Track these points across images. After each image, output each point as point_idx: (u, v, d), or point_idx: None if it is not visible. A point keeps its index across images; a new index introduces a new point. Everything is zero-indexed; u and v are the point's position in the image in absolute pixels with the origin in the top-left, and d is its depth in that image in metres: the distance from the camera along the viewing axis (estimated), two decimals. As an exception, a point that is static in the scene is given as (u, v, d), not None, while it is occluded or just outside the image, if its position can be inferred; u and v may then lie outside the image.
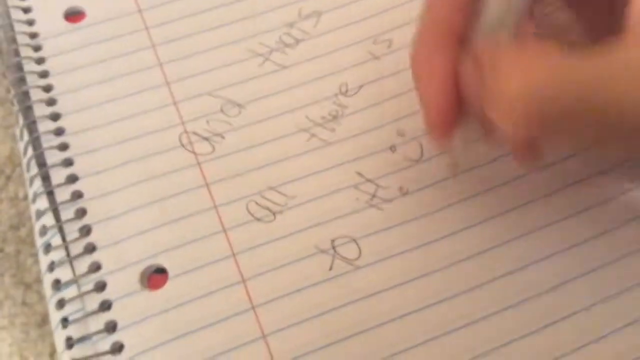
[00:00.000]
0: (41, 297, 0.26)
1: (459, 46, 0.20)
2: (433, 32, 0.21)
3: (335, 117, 0.27)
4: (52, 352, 0.25)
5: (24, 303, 0.26)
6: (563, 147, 0.23)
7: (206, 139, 0.27)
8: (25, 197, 0.28)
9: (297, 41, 0.29)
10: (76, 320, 0.23)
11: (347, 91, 0.28)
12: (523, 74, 0.17)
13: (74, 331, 0.23)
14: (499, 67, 0.18)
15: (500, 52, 0.19)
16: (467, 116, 0.21)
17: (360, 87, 0.28)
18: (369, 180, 0.26)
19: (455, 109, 0.21)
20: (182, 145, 0.27)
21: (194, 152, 0.26)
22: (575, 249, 0.24)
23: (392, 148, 0.26)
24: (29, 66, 0.29)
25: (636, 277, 0.23)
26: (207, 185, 0.26)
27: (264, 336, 0.23)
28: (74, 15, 0.30)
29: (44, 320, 0.26)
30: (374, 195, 0.25)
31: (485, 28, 0.20)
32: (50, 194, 0.26)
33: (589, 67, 0.17)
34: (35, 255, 0.27)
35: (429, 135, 0.21)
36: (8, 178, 0.29)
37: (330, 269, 0.24)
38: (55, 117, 0.27)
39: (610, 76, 0.17)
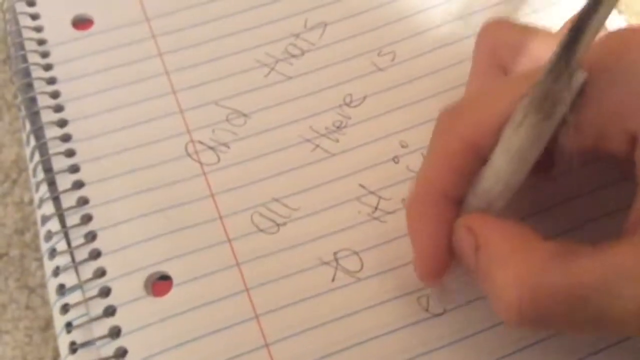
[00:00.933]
0: (45, 302, 0.26)
1: (453, 206, 0.21)
2: (428, 190, 0.21)
3: (339, 128, 0.28)
4: (56, 357, 0.25)
5: (27, 307, 0.26)
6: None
7: (212, 148, 0.27)
8: (31, 202, 0.29)
9: (303, 52, 0.29)
10: (80, 325, 0.24)
11: (351, 102, 0.28)
12: (523, 280, 0.18)
13: (78, 336, 0.24)
14: (495, 267, 0.19)
15: (498, 238, 0.19)
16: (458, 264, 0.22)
17: (365, 98, 0.28)
18: (371, 193, 0.26)
19: (445, 264, 0.21)
20: (188, 155, 0.27)
21: (199, 162, 0.27)
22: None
23: (395, 159, 0.27)
24: (37, 72, 0.29)
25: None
26: (212, 195, 0.26)
27: (266, 345, 0.23)
28: (81, 23, 0.31)
29: (48, 324, 0.26)
30: (376, 208, 0.26)
31: (480, 198, 0.20)
32: (56, 199, 0.26)
33: (585, 272, 0.17)
34: (39, 260, 0.27)
35: (418, 277, 0.22)
36: (14, 182, 0.29)
37: (333, 280, 0.24)
38: (62, 123, 0.28)
39: (606, 283, 0.17)
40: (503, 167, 0.20)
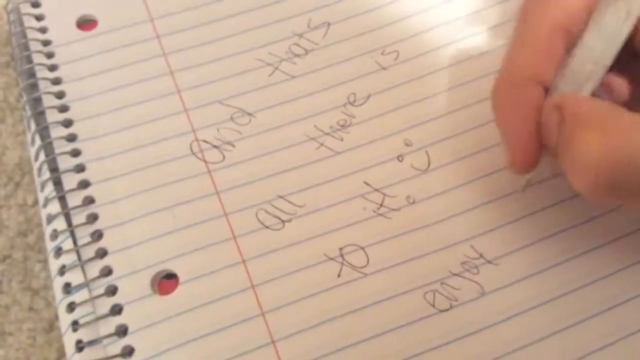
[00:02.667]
0: (48, 303, 0.26)
1: (542, 92, 0.21)
2: (517, 75, 0.21)
3: (343, 127, 0.28)
4: (59, 358, 0.25)
5: (31, 309, 0.26)
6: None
7: (216, 147, 0.27)
8: (34, 204, 0.29)
9: (306, 51, 0.30)
10: (86, 324, 0.24)
11: (355, 101, 0.28)
12: (599, 146, 0.18)
13: (84, 334, 0.23)
14: (578, 128, 0.19)
15: (582, 112, 0.19)
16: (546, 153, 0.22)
17: (368, 97, 0.28)
18: (376, 190, 0.26)
19: (537, 149, 0.21)
20: (193, 153, 0.27)
21: (204, 160, 0.27)
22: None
23: (400, 157, 0.27)
24: (42, 73, 0.29)
25: None
26: (217, 193, 0.26)
27: (273, 342, 0.23)
28: (86, 24, 0.31)
29: (51, 326, 0.26)
30: (381, 205, 0.26)
31: (570, 80, 0.21)
32: (61, 199, 0.26)
33: None
34: (42, 262, 0.27)
35: (509, 169, 0.22)
36: (17, 185, 0.29)
37: (339, 276, 0.24)
38: (67, 123, 0.28)
39: None
40: (594, 46, 0.20)
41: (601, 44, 0.20)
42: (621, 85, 0.22)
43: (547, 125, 0.20)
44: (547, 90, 0.21)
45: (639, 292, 0.24)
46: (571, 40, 0.21)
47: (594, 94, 0.21)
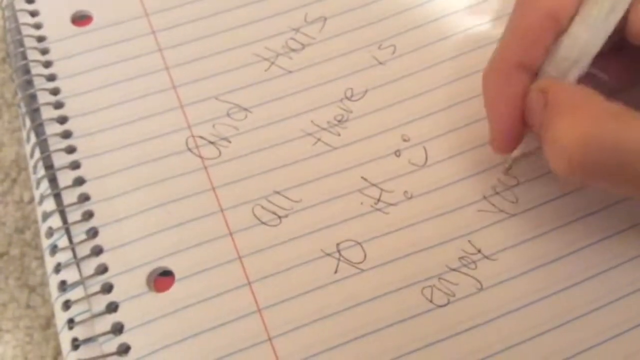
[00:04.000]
0: (45, 301, 0.26)
1: (530, 77, 0.22)
2: (506, 59, 0.22)
3: (340, 122, 0.27)
4: (56, 355, 0.25)
5: (28, 306, 0.26)
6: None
7: (212, 143, 0.27)
8: (31, 201, 0.28)
9: (303, 46, 0.29)
10: (82, 322, 0.23)
11: (352, 96, 0.28)
12: (577, 129, 0.19)
13: (80, 332, 0.23)
14: (555, 113, 0.20)
15: (560, 97, 0.21)
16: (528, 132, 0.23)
17: (366, 91, 0.28)
18: (373, 185, 0.26)
19: (518, 132, 0.23)
20: (189, 149, 0.27)
21: (200, 156, 0.27)
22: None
23: (397, 153, 0.27)
24: (37, 69, 0.29)
25: None
26: (213, 189, 0.26)
27: (269, 339, 0.23)
28: (81, 19, 0.30)
29: (48, 323, 0.26)
30: (378, 200, 0.25)
31: (556, 67, 0.22)
32: (57, 196, 0.26)
33: (637, 135, 0.18)
34: (39, 259, 0.27)
35: (491, 148, 0.24)
36: (14, 181, 0.29)
37: (336, 272, 0.24)
38: (62, 120, 0.28)
39: None
40: (580, 35, 0.21)
41: (587, 34, 0.21)
42: (608, 72, 0.23)
43: (532, 108, 0.22)
44: (535, 76, 0.22)
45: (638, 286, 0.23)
46: (561, 29, 0.21)
47: (580, 81, 0.22)
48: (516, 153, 0.24)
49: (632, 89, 0.23)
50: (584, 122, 0.19)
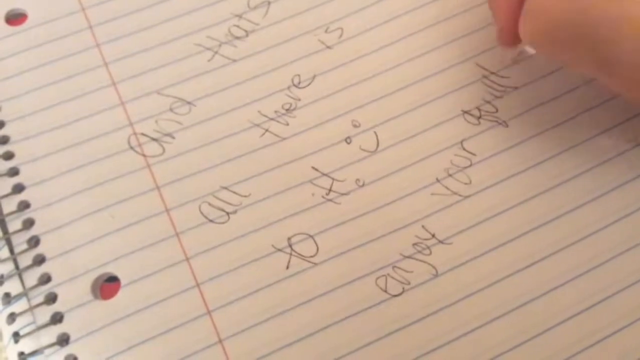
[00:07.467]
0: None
1: None
2: None
3: (288, 110, 0.26)
4: (5, 369, 0.24)
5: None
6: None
7: (155, 140, 0.26)
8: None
9: (247, 33, 0.28)
10: (28, 334, 0.23)
11: (299, 83, 0.27)
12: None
13: (26, 345, 0.23)
14: None
15: None
16: None
17: (314, 77, 0.27)
18: (325, 175, 0.25)
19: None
20: (131, 148, 0.26)
21: (143, 155, 0.25)
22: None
23: (348, 139, 0.26)
24: (-31, 73, 0.28)
25: None
26: (157, 188, 0.25)
27: (220, 341, 0.22)
28: (15, 18, 0.29)
29: (-1, 336, 0.25)
30: (330, 190, 0.25)
31: None
32: (-5, 205, 0.25)
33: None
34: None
35: (499, 44, 0.25)
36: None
37: (287, 267, 0.23)
38: (-2, 125, 0.26)
39: (617, 20, 0.18)
40: None
41: None
42: None
43: None
44: None
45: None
46: None
47: None
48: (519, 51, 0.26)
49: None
50: None
